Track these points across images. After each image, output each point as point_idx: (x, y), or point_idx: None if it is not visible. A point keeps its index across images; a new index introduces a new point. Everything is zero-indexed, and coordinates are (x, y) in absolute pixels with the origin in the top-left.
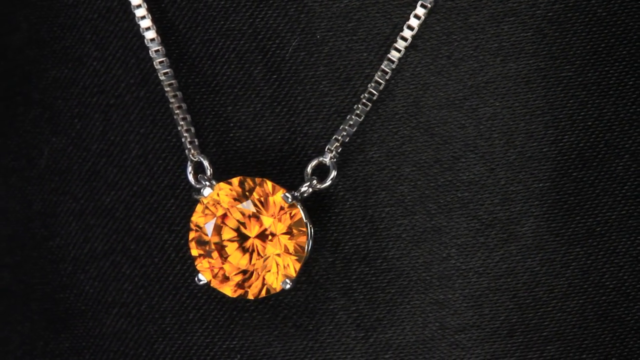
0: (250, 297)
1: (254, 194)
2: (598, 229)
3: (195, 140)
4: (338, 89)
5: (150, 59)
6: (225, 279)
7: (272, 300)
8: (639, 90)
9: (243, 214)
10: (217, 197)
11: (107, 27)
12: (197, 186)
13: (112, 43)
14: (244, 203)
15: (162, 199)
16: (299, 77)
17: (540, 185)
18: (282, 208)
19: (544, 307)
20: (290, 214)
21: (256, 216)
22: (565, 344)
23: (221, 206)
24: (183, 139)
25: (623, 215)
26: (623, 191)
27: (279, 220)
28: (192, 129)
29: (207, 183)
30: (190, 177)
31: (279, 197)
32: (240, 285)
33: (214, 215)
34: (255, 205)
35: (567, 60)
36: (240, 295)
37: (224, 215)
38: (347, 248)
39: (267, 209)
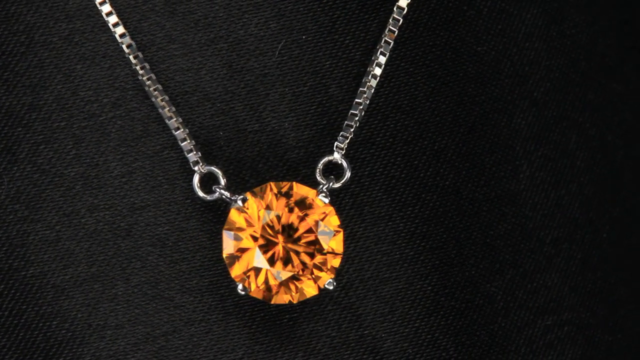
0: (292, 301)
1: (289, 198)
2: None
3: (199, 152)
4: (323, 89)
5: (127, 77)
6: (266, 286)
7: (273, 308)
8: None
9: (278, 220)
10: (249, 205)
11: (71, 50)
12: (232, 197)
13: (77, 65)
14: (282, 209)
15: (151, 217)
16: (285, 79)
17: (517, 163)
18: (319, 209)
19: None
20: (327, 213)
21: (295, 220)
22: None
23: (255, 214)
24: (187, 153)
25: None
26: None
27: (319, 221)
28: (194, 142)
29: (224, 193)
30: (198, 190)
31: (316, 198)
32: (281, 291)
33: (250, 224)
34: (292, 209)
35: (528, 41)
36: (279, 302)
37: (261, 223)
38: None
39: (305, 211)
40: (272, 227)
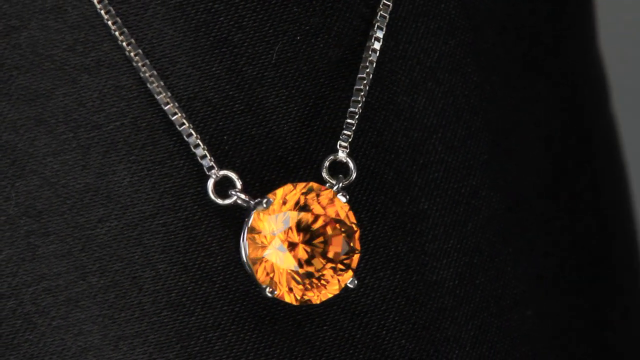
0: (315, 301)
1: (309, 198)
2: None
3: (212, 157)
4: (321, 88)
5: (131, 86)
6: (290, 288)
7: (280, 310)
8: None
9: (300, 221)
10: (271, 208)
11: (74, 61)
12: (255, 200)
13: (82, 76)
14: (303, 209)
15: (161, 224)
16: (285, 80)
17: (485, 157)
18: (338, 208)
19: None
20: (346, 212)
21: (317, 220)
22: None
23: (278, 216)
24: (201, 159)
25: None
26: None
27: (340, 219)
28: (206, 147)
29: (241, 196)
30: (213, 195)
31: (335, 197)
32: (306, 291)
33: (272, 226)
34: (313, 209)
35: (486, 32)
36: (304, 302)
37: (284, 225)
38: None
39: (325, 211)
40: (294, 228)
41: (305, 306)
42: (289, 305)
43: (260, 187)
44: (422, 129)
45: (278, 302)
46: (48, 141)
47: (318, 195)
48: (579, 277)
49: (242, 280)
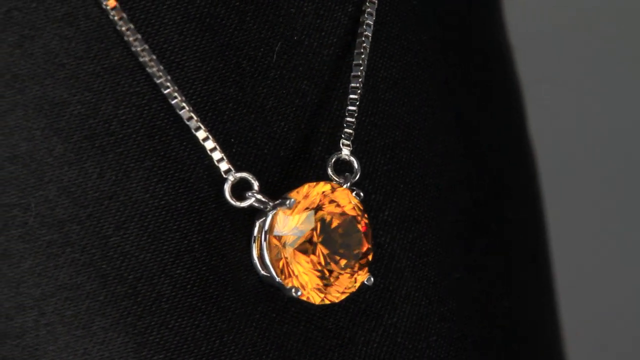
0: (335, 300)
1: (326, 198)
2: None
3: (228, 160)
4: (315, 87)
5: (143, 92)
6: (313, 287)
7: (287, 312)
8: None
9: (318, 220)
10: (294, 207)
11: (88, 68)
12: (276, 201)
13: (95, 83)
14: (321, 209)
15: (176, 230)
16: (283, 81)
17: (460, 152)
18: (353, 207)
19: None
20: (361, 210)
21: (334, 219)
22: None
23: (297, 216)
24: (218, 162)
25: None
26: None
27: (357, 218)
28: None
29: (260, 198)
30: (229, 198)
31: (351, 196)
32: (326, 291)
33: (292, 226)
34: (330, 209)
35: (449, 26)
36: (325, 302)
37: (303, 225)
38: None
39: (341, 210)
40: (313, 229)
41: (310, 306)
42: (300, 306)
43: (265, 189)
44: (403, 126)
45: (286, 303)
46: (64, 150)
47: (335, 195)
48: (534, 271)
49: (253, 282)
